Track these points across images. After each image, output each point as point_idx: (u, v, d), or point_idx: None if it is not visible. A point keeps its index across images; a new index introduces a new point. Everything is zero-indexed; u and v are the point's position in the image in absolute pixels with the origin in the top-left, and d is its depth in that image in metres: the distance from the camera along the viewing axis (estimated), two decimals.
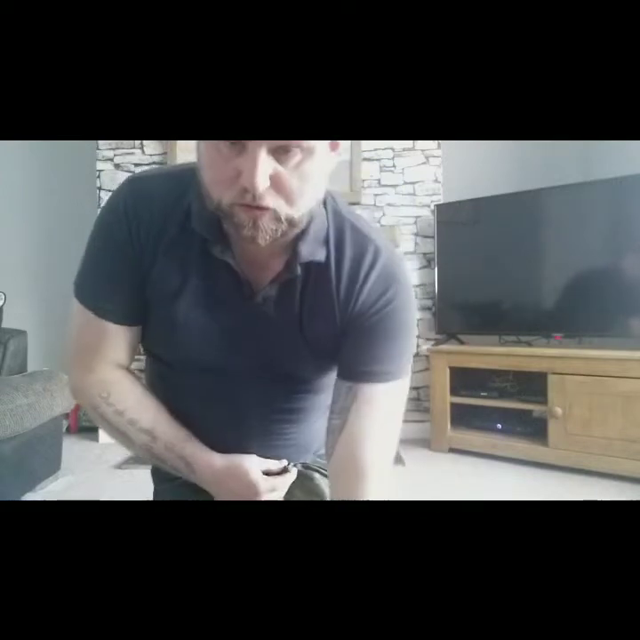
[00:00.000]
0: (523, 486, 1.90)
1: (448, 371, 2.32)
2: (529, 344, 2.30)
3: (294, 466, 0.74)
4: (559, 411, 2.01)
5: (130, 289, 0.64)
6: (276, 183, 0.51)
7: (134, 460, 2.11)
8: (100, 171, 2.61)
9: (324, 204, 0.64)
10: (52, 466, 1.88)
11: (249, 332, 0.65)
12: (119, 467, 2.10)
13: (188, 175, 0.62)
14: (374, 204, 2.57)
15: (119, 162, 2.62)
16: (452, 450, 2.31)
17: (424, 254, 2.58)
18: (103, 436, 2.51)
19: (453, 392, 2.32)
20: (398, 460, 2.15)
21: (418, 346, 2.46)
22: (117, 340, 0.66)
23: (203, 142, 0.53)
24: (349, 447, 0.62)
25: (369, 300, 0.62)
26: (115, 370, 0.67)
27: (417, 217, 2.58)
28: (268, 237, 0.54)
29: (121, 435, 0.67)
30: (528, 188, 2.29)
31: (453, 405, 2.32)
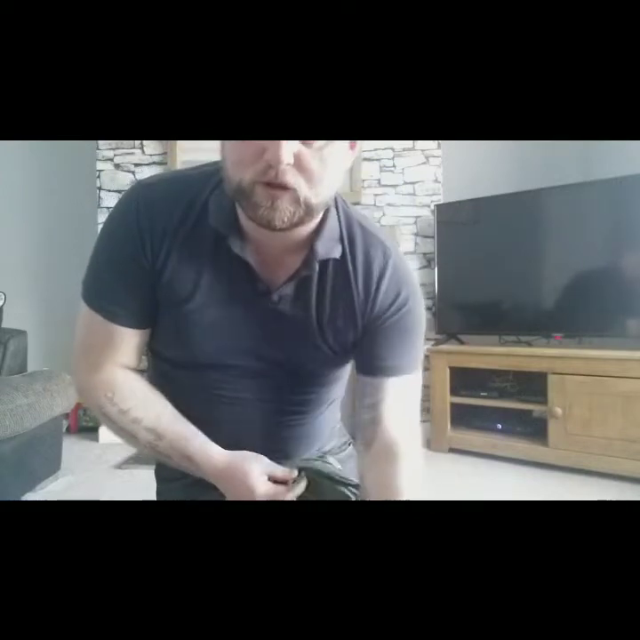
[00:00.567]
0: (523, 486, 1.90)
1: (448, 371, 2.31)
2: (529, 344, 2.30)
3: (303, 475, 0.68)
4: (559, 411, 2.01)
5: (139, 293, 0.64)
6: (299, 162, 0.52)
7: (134, 460, 2.11)
8: (100, 171, 2.61)
9: (335, 204, 0.66)
10: (52, 466, 1.88)
11: (263, 330, 0.65)
12: (119, 467, 2.10)
13: (199, 178, 0.64)
14: (374, 204, 2.57)
15: (119, 162, 2.61)
16: (451, 450, 2.31)
17: (424, 254, 2.58)
18: (103, 435, 2.51)
19: (453, 392, 2.32)
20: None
21: None
22: (125, 342, 0.66)
23: None
24: (389, 434, 0.66)
25: (386, 301, 0.66)
26: (120, 370, 0.67)
27: (417, 217, 2.58)
28: (285, 219, 0.55)
29: (127, 434, 0.67)
30: (528, 188, 2.28)
31: (453, 405, 2.32)
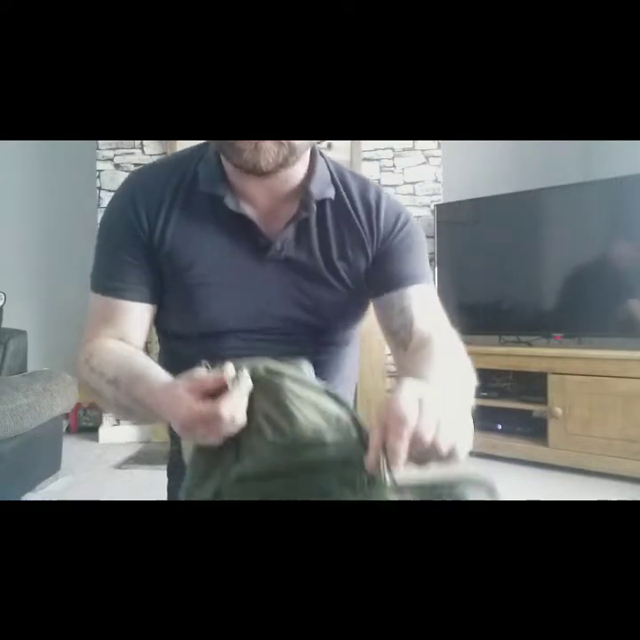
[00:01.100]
0: (523, 486, 1.90)
1: None
2: (529, 344, 2.30)
3: (244, 369, 0.51)
4: (559, 411, 2.01)
5: (137, 265, 0.65)
6: None
7: (134, 460, 2.11)
8: (100, 171, 2.61)
9: (321, 154, 0.69)
10: (52, 466, 1.88)
11: (272, 287, 0.66)
12: (119, 467, 2.10)
13: (187, 154, 0.68)
14: None
15: (119, 162, 2.61)
16: None
17: None
18: (103, 435, 2.51)
19: None
20: None
21: None
22: (123, 317, 0.66)
23: None
24: (424, 328, 0.67)
25: (388, 224, 0.71)
26: (111, 340, 0.65)
27: (417, 217, 2.57)
28: (270, 160, 0.56)
29: (97, 394, 0.62)
30: (528, 188, 2.29)
31: None
